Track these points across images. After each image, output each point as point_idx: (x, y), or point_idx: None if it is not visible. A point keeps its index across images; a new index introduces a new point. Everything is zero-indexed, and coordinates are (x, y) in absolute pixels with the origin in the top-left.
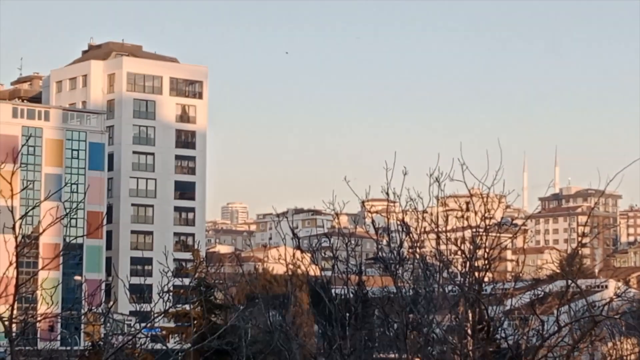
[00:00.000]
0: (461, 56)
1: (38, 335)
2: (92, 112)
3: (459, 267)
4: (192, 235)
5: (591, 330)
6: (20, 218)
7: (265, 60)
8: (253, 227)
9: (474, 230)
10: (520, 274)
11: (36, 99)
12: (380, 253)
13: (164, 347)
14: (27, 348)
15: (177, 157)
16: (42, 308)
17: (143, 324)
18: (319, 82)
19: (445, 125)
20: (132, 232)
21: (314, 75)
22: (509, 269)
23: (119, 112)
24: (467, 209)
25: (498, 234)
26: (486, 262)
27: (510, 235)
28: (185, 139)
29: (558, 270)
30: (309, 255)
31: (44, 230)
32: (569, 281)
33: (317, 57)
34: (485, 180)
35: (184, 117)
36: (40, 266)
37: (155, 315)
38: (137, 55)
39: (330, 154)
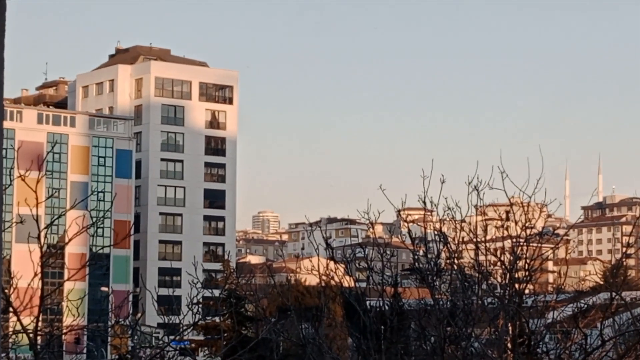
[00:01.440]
0: (501, 60)
1: (64, 348)
2: (119, 118)
3: (499, 279)
4: (222, 245)
5: (636, 345)
6: (45, 227)
7: (297, 64)
8: (285, 237)
9: (514, 240)
10: (563, 286)
11: (62, 104)
12: (416, 264)
13: None
14: None
15: (207, 165)
16: (67, 320)
17: (172, 337)
18: (354, 87)
19: (484, 132)
20: (160, 241)
21: (348, 80)
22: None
23: (147, 118)
24: (507, 219)
25: (539, 245)
26: (527, 273)
27: (552, 246)
28: (215, 146)
29: (602, 282)
30: (343, 266)
31: (69, 240)
32: (613, 293)
33: (352, 62)
34: (526, 188)
35: (213, 123)
36: (66, 277)
37: (184, 327)
38: (166, 60)
39: (365, 161)
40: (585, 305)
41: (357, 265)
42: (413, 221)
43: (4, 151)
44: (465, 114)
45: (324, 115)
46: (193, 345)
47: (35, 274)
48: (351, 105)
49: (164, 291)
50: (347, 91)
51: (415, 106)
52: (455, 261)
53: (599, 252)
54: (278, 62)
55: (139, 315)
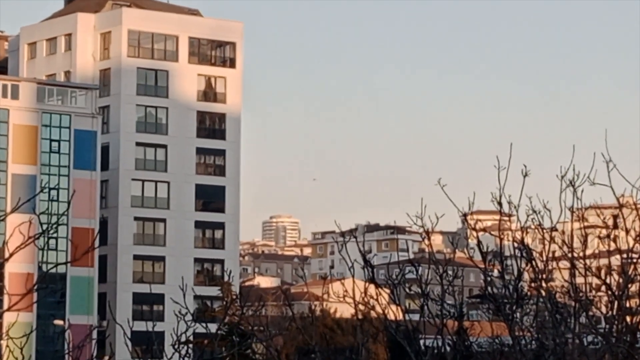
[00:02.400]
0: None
1: None
2: (79, 87)
3: (603, 309)
4: (221, 262)
5: None
6: None
7: (323, 11)
8: (307, 251)
9: (625, 256)
10: None
11: (0, 68)
12: (489, 288)
13: None
14: None
15: (200, 151)
16: None
17: None
18: (396, 49)
19: (581, 106)
20: (136, 257)
21: (390, 35)
22: None
23: (117, 87)
24: (615, 226)
25: None
26: None
27: None
28: (211, 125)
29: None
30: (388, 291)
31: (10, 256)
32: None
33: (394, 22)
34: None
35: (209, 93)
36: (5, 305)
37: None
38: (143, 6)
39: (415, 147)
40: None
41: (408, 290)
42: (484, 229)
43: None
44: (556, 79)
45: (357, 85)
46: None
47: None
48: (392, 71)
49: (140, 325)
50: (390, 48)
51: (480, 65)
52: (543, 285)
53: None
54: (297, 10)
55: (107, 358)
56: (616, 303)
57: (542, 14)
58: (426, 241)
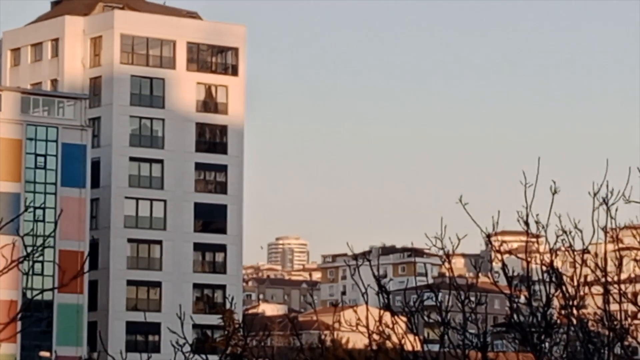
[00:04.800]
0: None
1: None
2: (68, 97)
3: None
4: (223, 287)
5: None
6: None
7: (329, 17)
8: (317, 276)
9: None
10: None
11: None
12: (515, 316)
13: None
14: None
15: (199, 167)
16: None
17: None
18: (414, 57)
19: (615, 118)
20: (130, 282)
21: (409, 48)
22: None
23: (109, 97)
24: None
25: None
26: None
27: None
28: (212, 139)
29: None
30: (405, 319)
31: None
32: None
33: (412, 25)
34: None
35: (209, 104)
36: None
37: None
38: (137, 9)
39: (434, 162)
40: None
41: (426, 318)
42: (510, 252)
43: None
44: (587, 89)
45: (374, 91)
46: None
47: None
48: (415, 78)
49: (134, 357)
50: (407, 56)
51: (504, 76)
52: (574, 312)
53: None
54: (304, 12)
55: None
56: None
57: (573, 25)
58: (446, 264)
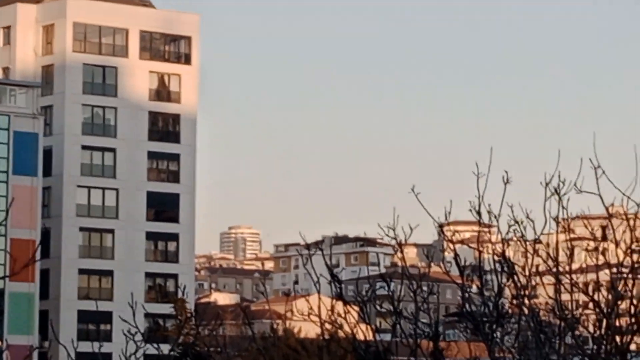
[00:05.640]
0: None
1: None
2: (19, 85)
3: (591, 328)
4: (175, 277)
5: None
6: None
7: (285, 4)
8: (269, 265)
9: (615, 270)
10: None
11: None
12: (467, 305)
13: None
14: None
15: (152, 156)
16: None
17: None
18: (369, 47)
19: (567, 108)
20: (82, 271)
21: (364, 38)
22: None
23: (61, 85)
24: (604, 238)
25: None
26: (633, 320)
27: None
28: (164, 128)
29: None
30: (357, 309)
31: None
32: None
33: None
34: (632, 192)
35: (162, 92)
36: None
37: None
38: None
39: (387, 152)
40: None
41: (378, 307)
42: (462, 241)
43: None
44: (539, 80)
45: (329, 81)
46: None
47: None
48: (369, 69)
49: (86, 346)
50: (362, 46)
51: (457, 66)
52: (526, 302)
53: None
54: (258, 2)
55: None
56: (605, 321)
57: (518, 17)
58: (399, 254)
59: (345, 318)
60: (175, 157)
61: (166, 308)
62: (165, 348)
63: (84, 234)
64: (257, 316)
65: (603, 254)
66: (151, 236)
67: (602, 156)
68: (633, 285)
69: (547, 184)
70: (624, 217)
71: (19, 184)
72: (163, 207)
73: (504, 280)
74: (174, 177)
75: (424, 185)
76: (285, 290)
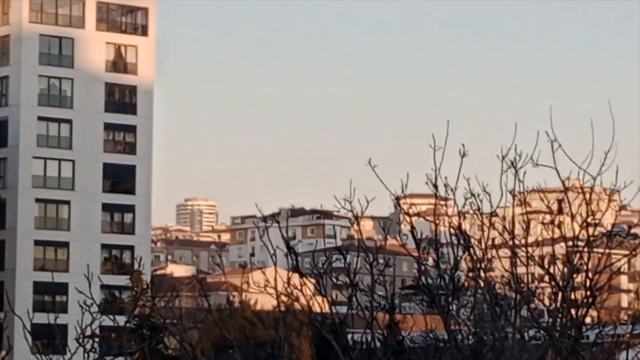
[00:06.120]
0: None
1: None
2: None
3: (547, 302)
4: (131, 248)
5: None
6: None
7: None
8: (225, 237)
9: (570, 243)
10: None
11: None
12: (423, 278)
13: None
14: None
15: (108, 127)
16: None
17: None
18: (325, 14)
19: (524, 81)
20: (37, 243)
21: (321, 6)
22: (624, 304)
23: (17, 56)
24: (560, 211)
25: (607, 251)
26: (589, 293)
27: (627, 253)
28: (121, 99)
29: None
30: (313, 281)
31: None
32: None
33: None
34: (589, 166)
35: (118, 64)
36: None
37: None
38: None
39: (343, 124)
40: None
41: (335, 280)
42: (418, 214)
43: None
44: (496, 50)
45: (281, 57)
46: None
47: None
48: (325, 37)
49: (41, 317)
50: (320, 14)
51: (414, 34)
52: (482, 274)
53: None
54: None
55: (4, 353)
56: (560, 295)
57: None
58: (355, 227)
59: (301, 290)
60: (131, 129)
61: (122, 280)
62: (121, 320)
63: (39, 205)
64: (213, 288)
65: (559, 227)
66: (107, 208)
67: (558, 130)
68: (588, 258)
69: (503, 157)
70: (580, 190)
71: None
72: (119, 178)
73: (460, 253)
74: (131, 148)
75: (380, 158)
76: (242, 263)
